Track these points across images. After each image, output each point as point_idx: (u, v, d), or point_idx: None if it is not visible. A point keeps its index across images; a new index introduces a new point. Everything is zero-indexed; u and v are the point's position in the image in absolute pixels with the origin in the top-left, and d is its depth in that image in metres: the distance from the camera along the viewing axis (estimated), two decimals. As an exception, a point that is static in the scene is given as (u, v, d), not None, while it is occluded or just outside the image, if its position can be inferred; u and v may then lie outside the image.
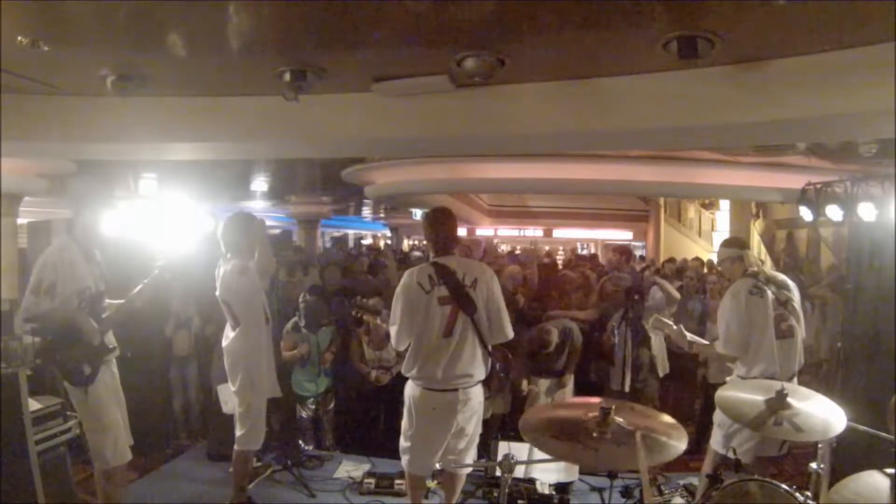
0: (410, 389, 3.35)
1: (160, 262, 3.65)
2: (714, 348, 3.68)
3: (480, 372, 3.30)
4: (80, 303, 3.24)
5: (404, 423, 3.40)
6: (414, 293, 3.22)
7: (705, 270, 8.87)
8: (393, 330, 3.31)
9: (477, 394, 3.35)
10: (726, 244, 3.98)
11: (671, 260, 10.09)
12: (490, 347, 3.31)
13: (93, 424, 3.29)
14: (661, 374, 5.14)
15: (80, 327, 3.21)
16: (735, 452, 2.99)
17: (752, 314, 3.49)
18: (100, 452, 3.30)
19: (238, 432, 3.71)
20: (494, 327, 3.30)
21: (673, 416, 2.50)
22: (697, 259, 9.80)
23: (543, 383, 4.87)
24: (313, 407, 4.98)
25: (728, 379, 3.77)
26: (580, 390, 5.04)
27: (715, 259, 11.66)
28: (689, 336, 3.77)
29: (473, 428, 3.39)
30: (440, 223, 3.39)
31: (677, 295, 4.84)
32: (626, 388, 4.85)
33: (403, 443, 3.41)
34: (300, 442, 4.87)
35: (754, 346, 3.48)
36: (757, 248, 12.38)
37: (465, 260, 3.52)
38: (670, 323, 3.83)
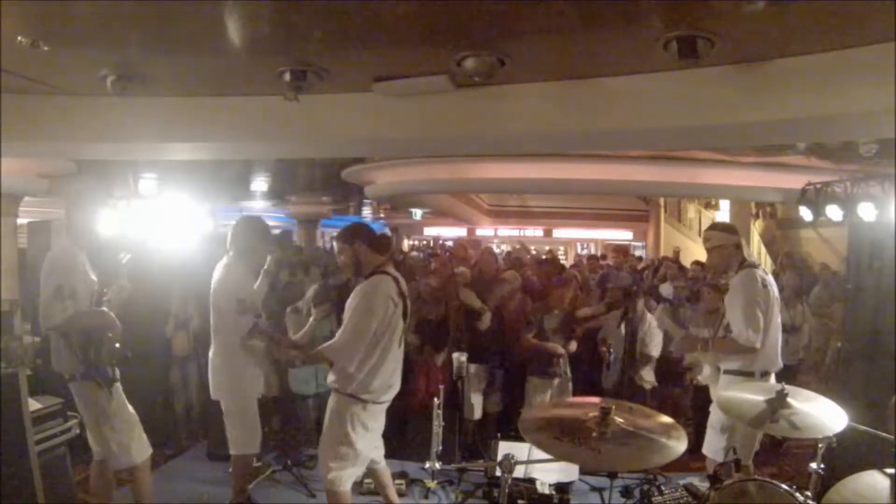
0: (356, 406, 3.10)
1: (126, 257, 3.55)
2: (733, 342, 3.35)
3: None
4: (91, 304, 3.22)
5: (348, 443, 3.11)
6: (391, 307, 3.12)
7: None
8: (352, 342, 3.03)
9: None
10: (723, 228, 3.61)
11: (676, 259, 10.03)
12: None
13: (119, 424, 3.25)
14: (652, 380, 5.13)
15: (108, 326, 3.20)
16: (735, 451, 2.98)
17: (765, 307, 3.36)
18: (126, 450, 3.26)
19: (231, 437, 3.60)
20: None
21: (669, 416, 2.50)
22: (697, 263, 9.74)
23: (541, 382, 4.86)
24: (313, 407, 4.94)
25: (705, 374, 3.73)
26: (576, 389, 5.03)
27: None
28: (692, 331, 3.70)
29: None
30: (388, 241, 3.48)
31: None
32: (622, 388, 4.82)
33: (344, 462, 3.11)
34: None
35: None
36: (756, 248, 12.39)
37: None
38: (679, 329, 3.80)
